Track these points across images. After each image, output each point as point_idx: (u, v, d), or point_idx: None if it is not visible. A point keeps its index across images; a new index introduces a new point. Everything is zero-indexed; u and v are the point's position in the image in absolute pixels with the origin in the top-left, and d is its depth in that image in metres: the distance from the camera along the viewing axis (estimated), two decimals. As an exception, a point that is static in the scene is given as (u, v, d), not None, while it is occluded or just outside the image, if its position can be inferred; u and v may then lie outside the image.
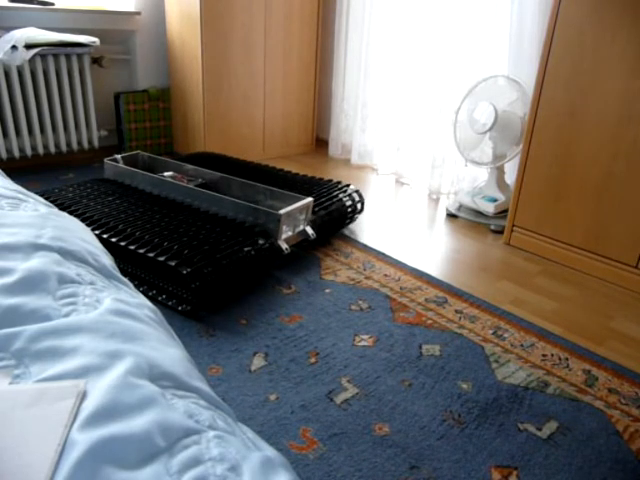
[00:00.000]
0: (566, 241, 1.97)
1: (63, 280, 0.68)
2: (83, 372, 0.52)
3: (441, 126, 2.62)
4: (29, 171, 2.69)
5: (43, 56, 2.50)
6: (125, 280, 0.80)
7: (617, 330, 1.59)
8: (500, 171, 2.35)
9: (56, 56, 2.55)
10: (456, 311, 1.63)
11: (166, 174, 2.18)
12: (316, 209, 1.96)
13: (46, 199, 1.86)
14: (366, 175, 3.02)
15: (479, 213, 2.38)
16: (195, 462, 0.45)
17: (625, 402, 1.27)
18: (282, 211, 1.73)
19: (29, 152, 2.62)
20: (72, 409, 0.46)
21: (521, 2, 2.21)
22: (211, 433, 0.49)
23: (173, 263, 1.49)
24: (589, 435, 1.16)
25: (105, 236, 1.65)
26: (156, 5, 2.92)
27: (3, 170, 1.27)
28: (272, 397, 1.22)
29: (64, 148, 2.72)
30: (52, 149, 2.68)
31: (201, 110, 2.81)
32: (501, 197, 2.34)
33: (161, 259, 1.51)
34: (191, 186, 1.97)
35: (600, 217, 1.85)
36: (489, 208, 2.32)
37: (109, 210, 1.83)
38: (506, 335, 1.52)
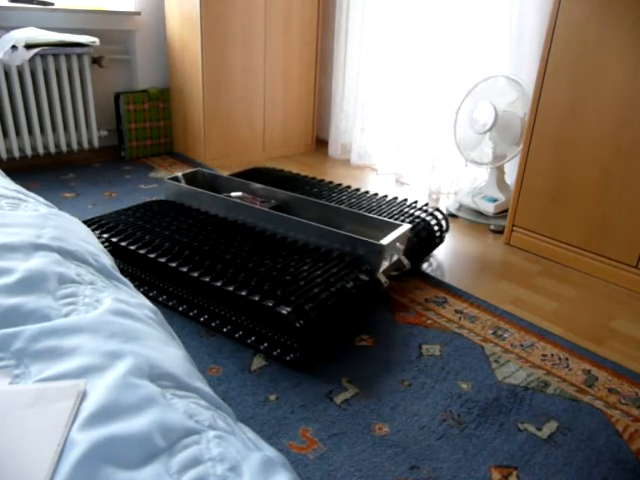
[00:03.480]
0: (566, 241, 1.97)
1: (63, 280, 0.68)
2: (83, 372, 0.52)
3: (441, 126, 2.62)
4: (29, 171, 2.69)
5: (43, 56, 2.49)
6: (125, 280, 0.80)
7: (617, 330, 1.59)
8: (500, 171, 2.35)
9: (56, 56, 2.55)
10: (456, 311, 1.63)
11: (233, 194, 1.96)
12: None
13: (105, 225, 1.68)
14: (366, 175, 3.02)
15: (479, 213, 2.38)
16: (195, 462, 0.45)
17: (625, 402, 1.27)
18: (384, 241, 1.54)
19: (29, 152, 2.62)
20: (72, 409, 0.46)
21: (521, 1, 2.21)
22: (211, 433, 0.49)
23: (284, 310, 1.29)
24: (589, 435, 1.16)
25: (185, 269, 1.45)
26: (156, 5, 2.92)
27: (3, 170, 1.27)
28: (272, 397, 1.22)
29: (64, 148, 2.72)
30: (52, 149, 2.68)
31: (201, 110, 2.81)
32: (501, 197, 2.34)
33: (263, 302, 1.32)
34: (269, 210, 1.76)
35: (600, 217, 1.85)
36: (489, 208, 2.32)
37: (180, 237, 1.61)
38: (506, 335, 1.52)
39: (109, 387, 0.49)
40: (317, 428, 1.14)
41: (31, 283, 0.64)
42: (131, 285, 0.80)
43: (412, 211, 1.95)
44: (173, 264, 1.48)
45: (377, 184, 2.86)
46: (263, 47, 2.92)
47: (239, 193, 1.99)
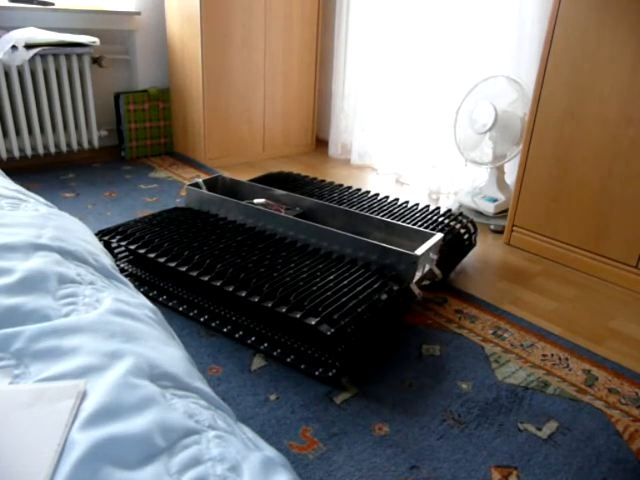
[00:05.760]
0: (566, 241, 1.97)
1: (63, 280, 0.68)
2: (83, 372, 0.52)
3: (441, 126, 2.62)
4: (29, 171, 2.69)
5: (43, 56, 2.49)
6: (125, 280, 0.80)
7: (617, 330, 1.59)
8: (500, 171, 2.35)
9: (56, 56, 2.55)
10: (456, 311, 1.63)
11: (256, 201, 1.91)
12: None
13: (124, 233, 1.62)
14: (366, 175, 3.01)
15: (479, 213, 2.38)
16: (195, 462, 0.45)
17: (625, 402, 1.27)
18: (419, 251, 1.50)
19: (29, 152, 2.62)
20: (72, 409, 0.46)
21: (522, 2, 2.21)
22: (211, 433, 0.49)
23: (324, 328, 1.24)
24: (589, 435, 1.16)
25: (218, 284, 1.38)
26: (156, 5, 2.92)
27: (3, 170, 1.27)
28: (272, 397, 1.22)
29: (64, 148, 2.72)
30: (52, 149, 2.68)
31: (201, 110, 2.81)
32: (501, 197, 2.34)
33: (303, 319, 1.26)
34: (298, 219, 1.70)
35: (600, 217, 1.85)
36: (489, 208, 2.32)
37: (209, 249, 1.54)
38: (506, 335, 1.52)
39: (109, 387, 0.49)
40: (317, 428, 1.14)
41: (31, 283, 0.64)
42: (131, 285, 0.80)
43: (442, 219, 1.87)
44: (205, 278, 1.43)
45: (377, 184, 2.86)
46: (263, 47, 2.92)
47: (262, 200, 1.93)
